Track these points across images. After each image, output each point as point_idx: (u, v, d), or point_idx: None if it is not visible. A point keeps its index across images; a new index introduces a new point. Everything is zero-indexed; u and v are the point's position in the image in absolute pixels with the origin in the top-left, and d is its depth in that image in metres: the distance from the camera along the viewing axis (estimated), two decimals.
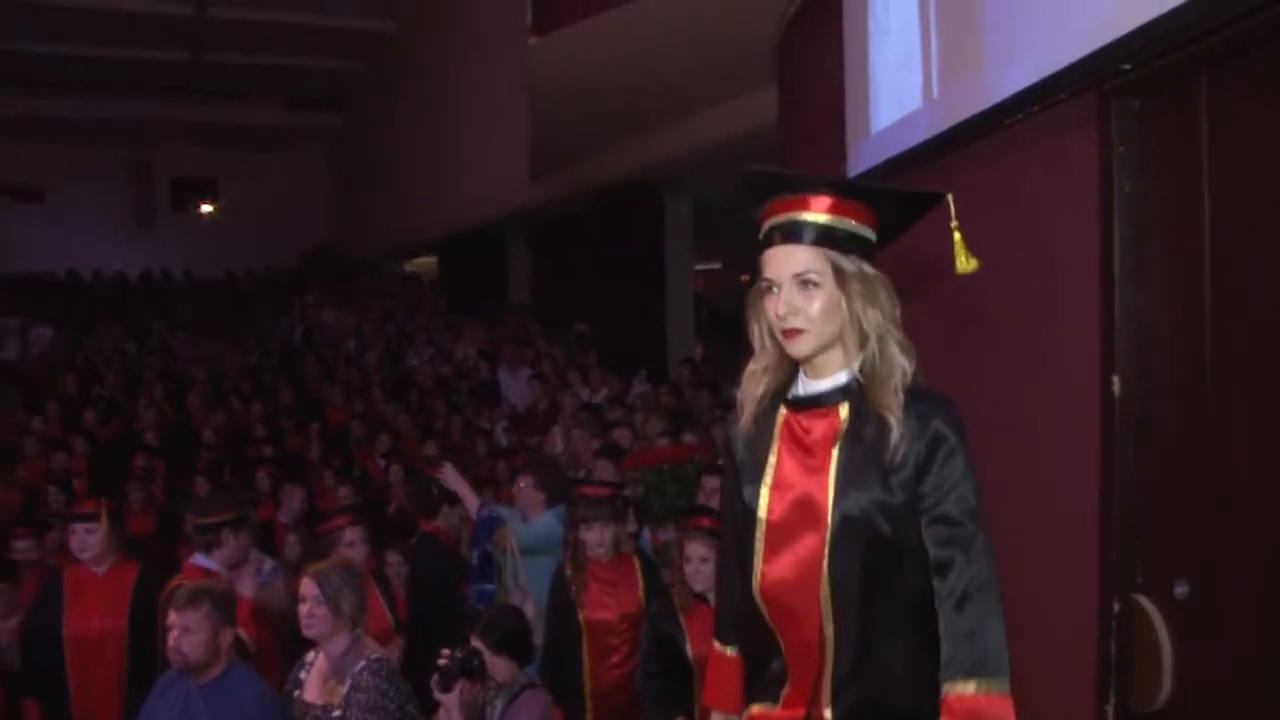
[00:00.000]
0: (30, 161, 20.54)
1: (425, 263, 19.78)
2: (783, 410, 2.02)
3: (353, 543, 4.57)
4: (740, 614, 2.10)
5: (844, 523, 1.88)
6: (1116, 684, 2.63)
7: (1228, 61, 2.36)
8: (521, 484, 5.02)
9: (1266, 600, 2.24)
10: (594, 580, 4.20)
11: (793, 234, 1.93)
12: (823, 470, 1.93)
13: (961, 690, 1.80)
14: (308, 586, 3.51)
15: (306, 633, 3.53)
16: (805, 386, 2.01)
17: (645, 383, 10.00)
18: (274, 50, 18.03)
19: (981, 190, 3.02)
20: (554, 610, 4.27)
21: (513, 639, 3.73)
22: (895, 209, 2.01)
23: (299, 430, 9.92)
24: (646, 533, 5.25)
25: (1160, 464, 2.60)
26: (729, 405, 2.35)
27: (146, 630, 4.33)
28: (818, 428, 1.96)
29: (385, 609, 4.55)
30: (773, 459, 2.00)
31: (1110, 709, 2.64)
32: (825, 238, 1.92)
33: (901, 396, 1.88)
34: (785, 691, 1.99)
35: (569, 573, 4.23)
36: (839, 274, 1.91)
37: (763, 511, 1.98)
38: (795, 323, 1.91)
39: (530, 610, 4.31)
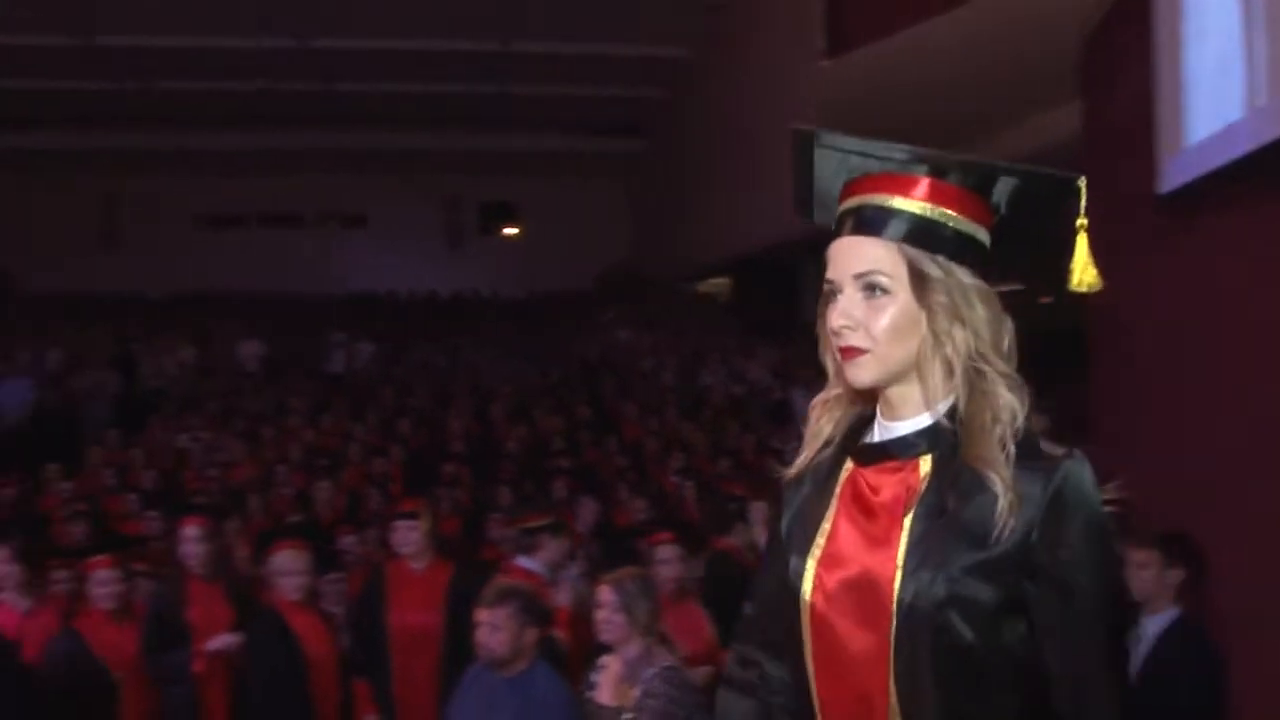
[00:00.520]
0: (355, 191, 22.63)
1: (718, 284, 20.14)
2: (848, 463, 1.53)
3: (669, 560, 4.61)
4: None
5: (911, 616, 1.38)
6: None
7: None
8: None
9: None
10: None
11: (867, 223, 1.46)
12: (889, 543, 1.43)
13: None
14: (605, 594, 3.62)
15: (602, 638, 3.66)
16: (880, 431, 1.52)
17: None
18: (574, 80, 18.96)
19: None
20: None
21: None
22: (1019, 199, 1.50)
23: (595, 444, 10.23)
24: None
25: None
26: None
27: (461, 625, 4.64)
28: (888, 486, 1.47)
29: (709, 626, 4.56)
30: (827, 525, 1.50)
31: None
32: (915, 232, 1.44)
33: (1011, 449, 1.38)
34: None
35: None
36: (918, 279, 1.42)
37: (807, 593, 1.48)
38: (853, 340, 1.44)
39: None
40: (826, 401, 1.58)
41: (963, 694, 1.38)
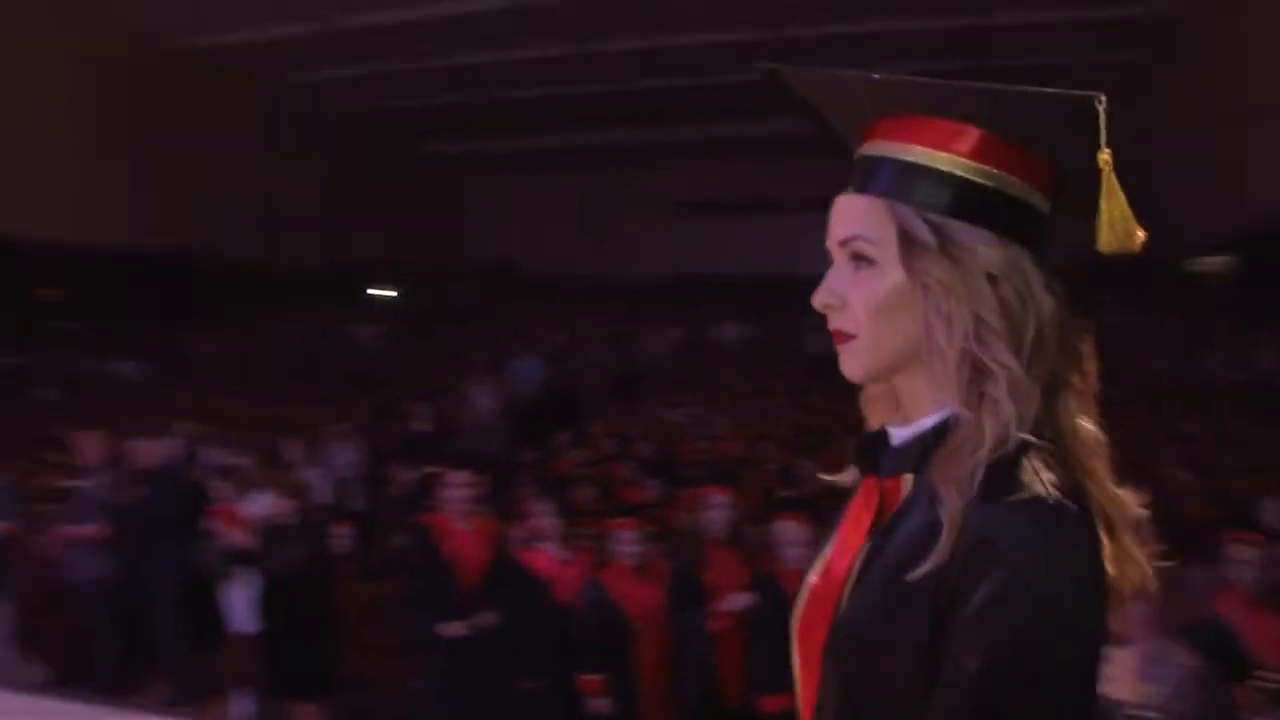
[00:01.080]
0: (831, 176, 22.93)
1: (1215, 261, 18.16)
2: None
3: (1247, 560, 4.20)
4: None
5: (837, 634, 1.14)
6: None
7: None
8: None
9: None
10: None
11: (870, 177, 1.17)
12: (850, 555, 1.18)
13: None
14: None
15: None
16: (894, 436, 1.22)
17: None
18: (1052, 49, 17.83)
19: None
20: None
21: None
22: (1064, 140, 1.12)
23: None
24: None
25: None
26: None
27: None
28: (875, 499, 1.19)
29: None
30: (835, 533, 1.25)
31: None
32: (907, 184, 1.14)
33: (978, 475, 1.05)
34: None
35: None
36: (907, 244, 1.12)
37: (799, 602, 1.25)
38: (837, 321, 1.17)
39: None
40: (864, 399, 1.28)
41: None
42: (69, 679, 6.30)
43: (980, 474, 1.05)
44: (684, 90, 19.59)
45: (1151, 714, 3.31)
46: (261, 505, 6.00)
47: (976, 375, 1.09)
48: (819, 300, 1.19)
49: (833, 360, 1.20)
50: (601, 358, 15.35)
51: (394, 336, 19.16)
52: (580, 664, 4.75)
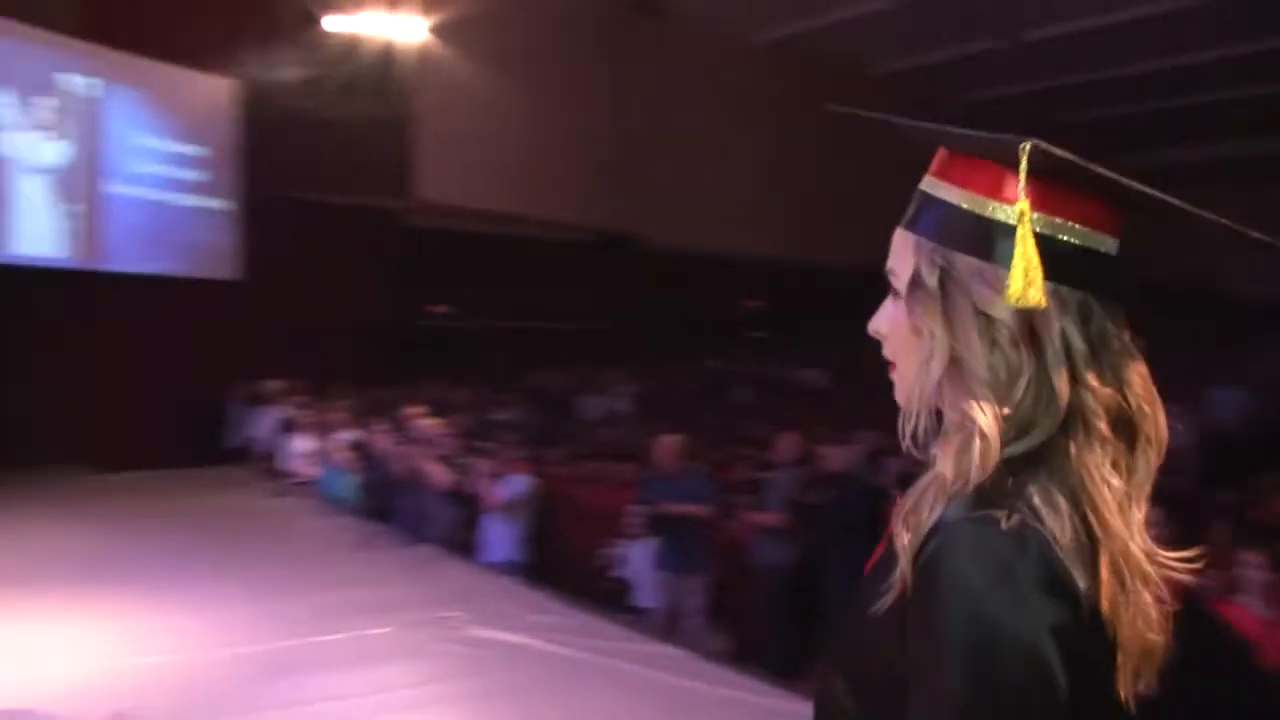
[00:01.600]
0: None
1: None
2: None
3: None
4: None
5: (834, 650, 1.16)
6: None
7: None
8: None
9: None
10: None
11: (907, 212, 1.17)
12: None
13: None
14: None
15: None
16: None
17: None
18: None
19: None
20: None
21: None
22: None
23: None
24: None
25: None
26: None
27: None
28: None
29: None
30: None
31: None
32: (941, 223, 1.10)
33: (939, 502, 1.02)
34: None
35: None
36: (914, 279, 1.11)
37: None
38: (885, 351, 1.18)
39: None
40: None
41: None
42: (744, 655, 6.80)
43: (944, 500, 1.03)
44: None
45: None
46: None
47: (947, 391, 1.09)
48: (870, 330, 1.22)
49: None
50: None
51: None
52: None
